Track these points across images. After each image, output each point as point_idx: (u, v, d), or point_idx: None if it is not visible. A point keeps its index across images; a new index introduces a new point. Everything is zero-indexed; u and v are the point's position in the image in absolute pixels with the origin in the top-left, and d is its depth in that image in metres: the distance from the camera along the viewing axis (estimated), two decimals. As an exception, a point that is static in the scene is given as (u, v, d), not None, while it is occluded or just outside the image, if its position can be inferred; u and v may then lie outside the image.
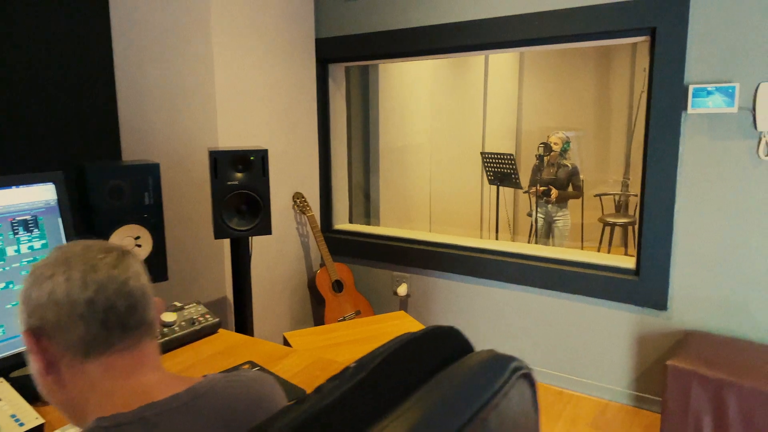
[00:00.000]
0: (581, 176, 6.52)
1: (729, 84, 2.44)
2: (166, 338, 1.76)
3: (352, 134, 4.21)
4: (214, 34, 2.98)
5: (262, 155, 2.59)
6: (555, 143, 5.18)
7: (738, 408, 2.25)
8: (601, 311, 2.97)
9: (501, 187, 5.26)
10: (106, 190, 1.84)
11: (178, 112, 3.06)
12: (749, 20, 2.42)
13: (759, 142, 2.45)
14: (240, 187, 2.56)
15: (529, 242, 5.72)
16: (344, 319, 3.50)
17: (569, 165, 5.18)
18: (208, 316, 1.91)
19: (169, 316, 1.82)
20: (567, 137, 5.21)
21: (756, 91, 2.42)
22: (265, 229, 2.64)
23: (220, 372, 0.96)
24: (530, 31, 2.93)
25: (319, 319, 3.45)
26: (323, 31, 3.67)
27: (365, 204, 4.49)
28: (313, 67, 3.70)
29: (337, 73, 3.87)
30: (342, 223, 4.03)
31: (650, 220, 2.73)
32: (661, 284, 2.75)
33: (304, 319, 3.78)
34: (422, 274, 3.55)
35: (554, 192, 5.14)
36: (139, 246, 1.95)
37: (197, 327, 1.86)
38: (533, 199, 5.41)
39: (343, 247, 3.82)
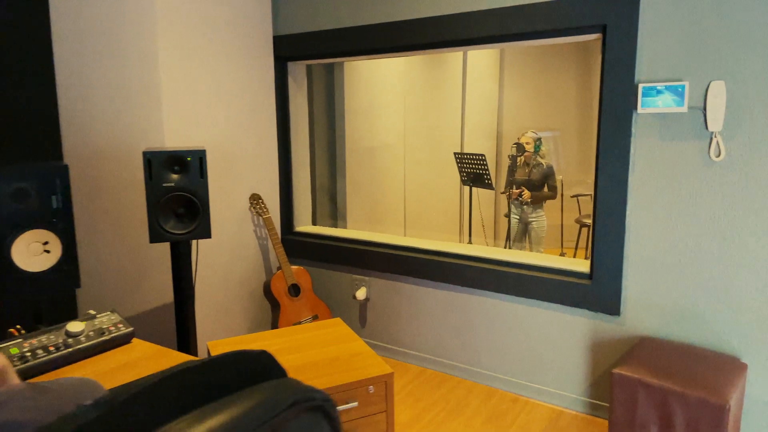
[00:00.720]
0: (559, 177, 6.45)
1: (678, 83, 2.37)
2: (69, 350, 1.68)
3: (315, 134, 4.13)
4: (160, 30, 2.89)
5: (200, 156, 2.51)
6: (527, 143, 5.10)
7: (684, 418, 2.18)
8: (556, 316, 2.89)
9: (483, 189, 5.18)
10: (8, 193, 1.75)
11: (121, 112, 2.98)
12: (700, 17, 2.34)
13: (710, 143, 2.38)
14: (176, 189, 2.48)
15: (505, 245, 5.65)
16: (300, 324, 3.42)
17: (544, 164, 5.11)
18: (120, 325, 1.83)
19: (75, 326, 1.74)
20: (538, 137, 5.14)
21: (706, 90, 2.35)
22: (204, 232, 2.55)
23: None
24: (479, 30, 2.86)
25: (275, 325, 3.37)
26: (282, 27, 3.59)
27: (331, 206, 4.42)
28: (271, 65, 3.62)
29: (298, 71, 3.79)
30: (304, 225, 3.95)
31: (602, 223, 2.66)
32: (613, 289, 2.67)
33: (263, 324, 3.70)
34: (381, 277, 3.47)
35: (526, 193, 5.07)
36: (48, 252, 1.87)
37: (107, 337, 1.78)
38: (511, 200, 5.34)
39: (304, 249, 3.74)
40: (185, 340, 2.70)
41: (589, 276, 2.79)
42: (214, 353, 1.92)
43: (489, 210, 7.05)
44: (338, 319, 2.21)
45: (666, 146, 2.47)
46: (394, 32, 3.14)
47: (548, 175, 5.13)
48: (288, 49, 3.58)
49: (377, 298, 3.51)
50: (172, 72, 2.98)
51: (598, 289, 2.72)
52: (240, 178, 3.47)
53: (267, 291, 3.45)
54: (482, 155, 4.89)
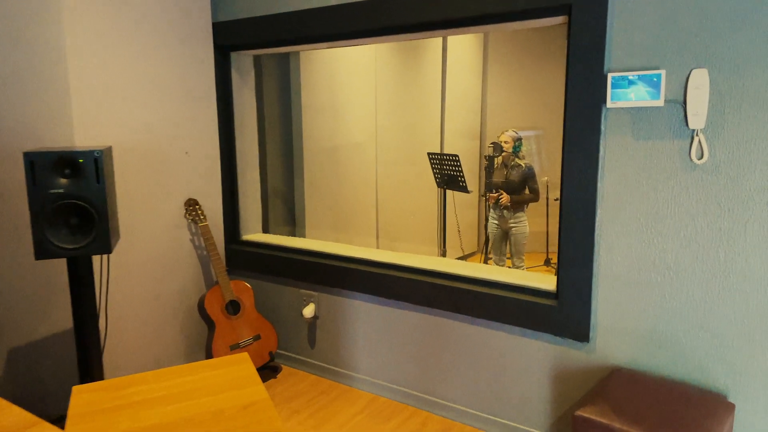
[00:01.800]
0: (544, 178, 6.09)
1: (654, 71, 2.00)
2: None
3: (267, 132, 3.76)
4: (67, 15, 2.53)
5: (95, 157, 2.14)
6: (505, 142, 4.74)
7: (657, 473, 1.82)
8: (518, 342, 2.53)
9: (460, 192, 4.81)
10: None
11: (21, 108, 2.62)
12: (678, -7, 1.98)
13: (691, 143, 2.01)
14: (66, 196, 2.12)
15: (484, 253, 5.29)
16: (238, 346, 3.06)
17: (523, 165, 4.75)
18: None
19: None
20: (518, 136, 4.77)
21: (686, 79, 1.98)
22: (102, 247, 2.19)
23: None
24: (430, 13, 2.49)
25: (209, 347, 3.01)
26: (222, 13, 3.22)
27: (287, 212, 4.05)
28: (211, 55, 3.26)
29: (243, 62, 3.42)
30: (253, 233, 3.59)
31: (568, 235, 2.29)
32: (582, 311, 2.31)
33: (201, 346, 3.34)
34: (331, 293, 3.11)
35: (505, 196, 4.70)
36: None
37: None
38: (489, 204, 4.97)
39: (250, 260, 3.38)
40: (87, 370, 2.33)
41: (555, 295, 2.43)
42: (74, 401, 1.56)
43: (471, 214, 6.69)
44: (244, 355, 1.84)
45: (640, 147, 2.10)
46: (350, 15, 2.78)
47: (528, 177, 4.77)
48: (230, 37, 3.21)
49: (327, 316, 3.15)
50: (83, 61, 2.62)
51: (564, 311, 2.35)
52: (173, 181, 3.11)
53: (201, 308, 3.09)
54: (455, 156, 4.53)
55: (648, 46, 2.04)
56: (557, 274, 2.39)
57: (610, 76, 2.07)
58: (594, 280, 2.28)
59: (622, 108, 2.11)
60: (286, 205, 4.00)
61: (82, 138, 2.65)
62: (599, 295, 2.28)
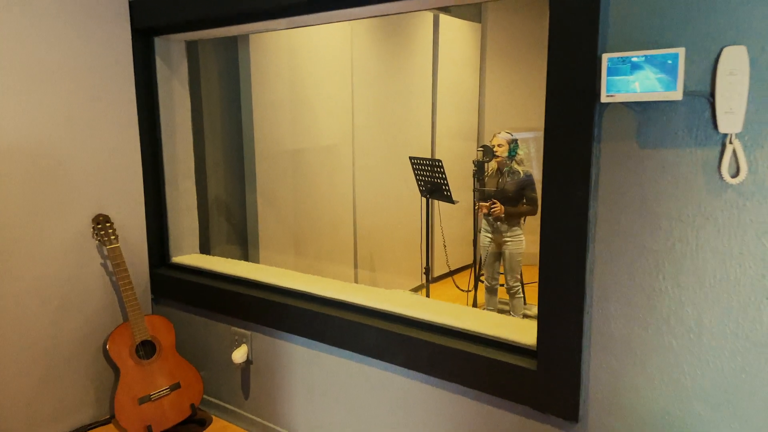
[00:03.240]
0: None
1: (668, 50, 1.39)
2: None
3: (207, 134, 3.18)
4: None
5: None
6: (499, 145, 4.13)
7: None
8: (487, 414, 1.93)
9: (450, 203, 4.20)
10: None
11: None
12: (704, -64, 1.36)
13: (722, 154, 1.39)
14: None
15: (476, 269, 4.68)
16: (149, 399, 2.48)
17: (520, 172, 4.13)
18: None
19: None
20: (513, 138, 4.15)
21: (716, 62, 1.37)
22: None
23: None
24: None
25: (112, 399, 2.45)
26: (140, -8, 2.65)
27: (237, 228, 3.48)
28: (128, 41, 2.69)
29: (172, 49, 2.85)
30: (188, 253, 3.02)
31: (550, 276, 1.69)
32: (569, 379, 1.70)
33: (109, 395, 2.77)
34: (267, 333, 2.53)
35: (498, 206, 4.09)
36: None
37: None
38: (479, 214, 4.37)
39: (178, 288, 2.81)
40: None
41: (534, 354, 1.82)
42: None
43: (467, 223, 6.07)
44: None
45: (648, 158, 1.49)
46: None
47: (526, 186, 4.15)
48: (151, 17, 2.64)
49: (262, 361, 2.57)
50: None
51: (546, 378, 1.75)
52: (76, 193, 2.55)
53: (105, 352, 2.53)
54: (438, 161, 3.92)
55: (660, 14, 1.42)
56: (538, 327, 1.78)
57: (605, 58, 1.46)
58: (585, 337, 1.67)
59: (623, 103, 1.50)
60: (234, 221, 3.42)
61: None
62: (592, 359, 1.67)
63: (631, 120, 1.49)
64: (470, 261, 6.05)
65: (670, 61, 1.38)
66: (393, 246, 5.15)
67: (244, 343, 2.57)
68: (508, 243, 4.21)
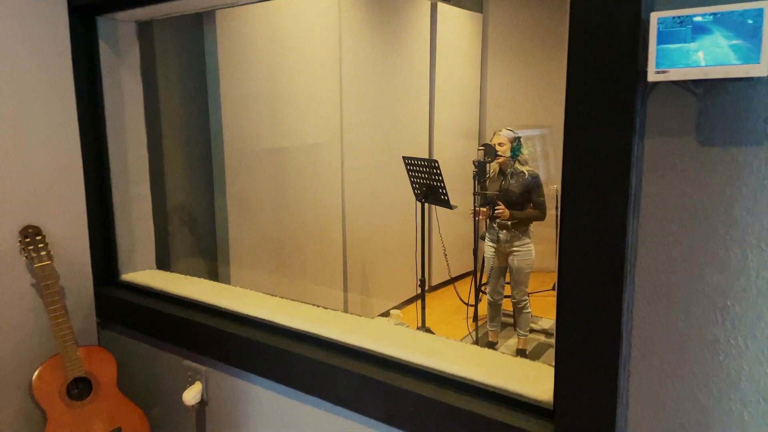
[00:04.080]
0: (554, 186, 5.03)
1: (748, 4, 0.96)
2: None
3: (166, 131, 2.77)
4: None
5: None
6: (500, 144, 3.71)
7: None
8: (487, 485, 1.50)
9: (448, 208, 3.77)
10: None
11: None
12: None
13: (825, 153, 0.97)
14: None
15: (476, 280, 4.25)
16: (81, 448, 2.07)
17: (525, 173, 3.72)
18: None
19: None
20: (517, 136, 3.74)
21: (819, 21, 0.94)
22: None
23: None
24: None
25: (39, 447, 2.04)
26: (76, -38, 2.23)
27: (205, 239, 3.06)
28: (64, 22, 2.27)
29: (120, 32, 2.43)
30: (141, 269, 2.60)
31: (573, 323, 1.26)
32: (597, 456, 1.27)
33: None
34: (226, 370, 2.11)
35: (503, 210, 3.67)
36: None
37: None
38: (481, 222, 3.95)
39: (126, 311, 2.39)
40: None
41: (551, 413, 1.40)
42: None
43: (468, 226, 5.65)
44: None
45: (715, 160, 1.06)
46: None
47: (533, 188, 3.73)
48: (90, -5, 2.22)
49: (219, 402, 2.15)
50: None
51: (565, 450, 1.32)
52: (-2, 202, 2.14)
53: (30, 391, 2.11)
54: (434, 161, 3.50)
55: (735, -45, 1.00)
56: (555, 379, 1.36)
57: (654, 18, 1.04)
58: (620, 402, 1.24)
59: (678, 82, 1.07)
60: (199, 230, 3.00)
61: None
62: (632, 423, 1.24)
63: (690, 106, 1.07)
64: (471, 268, 5.62)
65: (750, 21, 0.96)
66: (387, 254, 4.73)
67: (198, 380, 2.16)
68: (516, 254, 3.79)
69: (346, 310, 4.31)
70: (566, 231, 1.21)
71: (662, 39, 1.03)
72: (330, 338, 1.82)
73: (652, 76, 1.05)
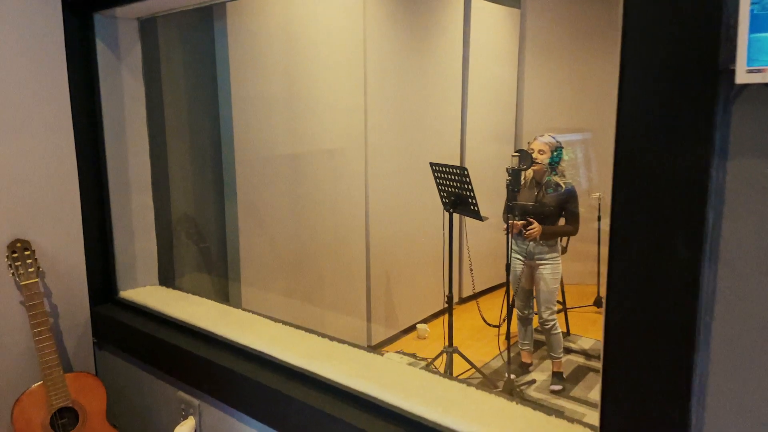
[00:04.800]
0: (596, 194, 4.68)
1: None
2: None
3: (170, 136, 2.58)
4: None
5: None
6: (540, 151, 3.42)
7: None
8: None
9: (478, 220, 3.48)
10: None
11: None
12: None
13: None
14: None
15: (508, 297, 3.95)
16: (62, 487, 1.88)
17: (562, 186, 3.40)
18: None
19: None
20: (558, 143, 3.43)
21: None
22: None
23: None
24: None
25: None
26: (70, -46, 2.06)
27: (214, 254, 2.86)
28: (58, 19, 2.10)
29: (120, 30, 2.25)
30: (142, 285, 2.42)
31: (623, 400, 0.98)
32: None
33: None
34: (220, 406, 1.89)
35: (536, 227, 3.37)
36: None
37: None
38: (511, 234, 3.65)
39: (123, 333, 2.20)
40: None
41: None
42: None
43: (498, 240, 5.34)
44: None
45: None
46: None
47: (568, 200, 3.42)
48: (84, -11, 2.04)
49: (213, 438, 1.93)
50: None
51: None
52: (-19, 215, 1.97)
53: (10, 422, 1.93)
54: (464, 169, 3.23)
55: None
56: (601, 421, 1.08)
57: (744, 3, 0.75)
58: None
59: (778, 87, 0.78)
60: (207, 242, 2.81)
61: None
62: None
63: (796, 118, 0.78)
64: (502, 280, 5.32)
65: None
66: (414, 264, 4.47)
67: (191, 415, 1.95)
68: (543, 268, 3.48)
69: (368, 323, 4.08)
70: (615, 280, 0.93)
71: (757, 25, 0.75)
72: (331, 381, 1.57)
73: (741, 77, 0.77)
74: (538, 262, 3.48)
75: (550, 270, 3.45)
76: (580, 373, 3.81)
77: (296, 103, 3.19)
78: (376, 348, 4.20)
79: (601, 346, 0.97)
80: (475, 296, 5.32)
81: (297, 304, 3.32)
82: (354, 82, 3.67)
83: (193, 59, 2.68)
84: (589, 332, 4.54)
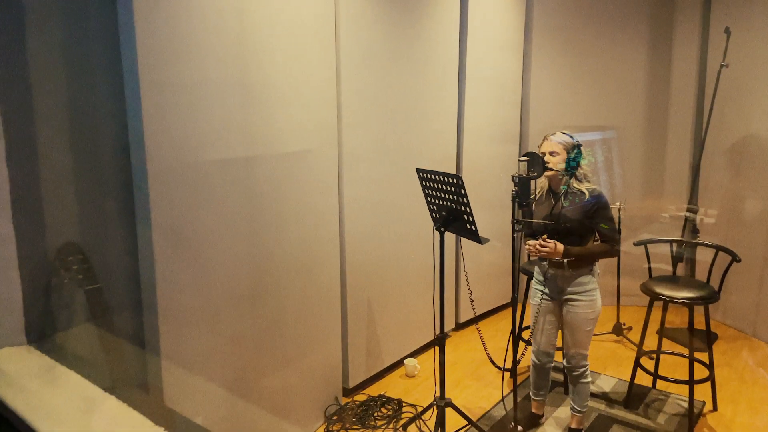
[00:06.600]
0: (615, 204, 3.94)
1: None
2: None
3: (43, 138, 1.86)
4: None
5: None
6: (552, 153, 2.70)
7: None
8: None
9: (477, 242, 2.75)
10: None
11: None
12: None
13: None
14: None
15: (515, 329, 3.23)
16: None
17: (585, 193, 2.68)
18: None
19: None
20: (576, 142, 2.71)
21: None
22: None
23: None
24: None
25: None
26: None
27: (121, 291, 2.14)
28: None
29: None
30: (0, 345, 1.71)
31: None
32: None
33: None
34: None
35: (551, 246, 2.65)
36: None
37: None
38: (530, 257, 2.92)
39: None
40: None
41: None
42: None
43: (502, 255, 4.60)
44: None
45: None
46: None
47: (596, 211, 2.68)
48: None
49: None
50: None
51: None
52: None
53: None
54: (458, 178, 2.50)
55: None
56: None
57: None
58: None
59: None
60: (108, 281, 2.08)
61: None
62: None
63: None
64: (507, 300, 4.56)
65: None
66: (399, 289, 3.75)
67: None
68: (573, 304, 2.75)
69: (344, 363, 3.36)
70: None
71: None
72: None
73: None
74: (565, 297, 2.75)
75: (584, 308, 2.72)
76: (602, 425, 3.08)
77: (248, 95, 2.48)
78: (354, 392, 3.48)
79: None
80: (476, 319, 4.61)
81: (249, 350, 2.61)
82: (323, 72, 2.96)
83: (83, 31, 1.97)
84: (608, 368, 3.82)
